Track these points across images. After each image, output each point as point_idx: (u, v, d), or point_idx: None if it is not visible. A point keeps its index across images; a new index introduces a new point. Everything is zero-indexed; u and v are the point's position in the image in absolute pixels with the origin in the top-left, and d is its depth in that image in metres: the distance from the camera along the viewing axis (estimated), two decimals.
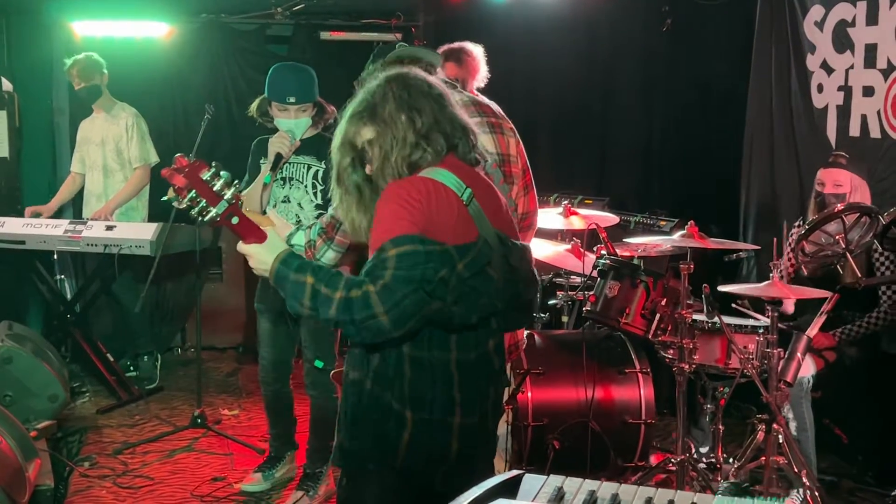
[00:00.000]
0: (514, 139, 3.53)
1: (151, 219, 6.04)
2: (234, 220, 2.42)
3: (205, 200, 2.37)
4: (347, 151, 2.47)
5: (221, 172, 2.41)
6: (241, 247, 2.47)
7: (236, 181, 2.45)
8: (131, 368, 6.38)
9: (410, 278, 2.23)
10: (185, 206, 2.40)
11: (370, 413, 2.41)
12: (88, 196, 6.22)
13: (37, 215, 5.97)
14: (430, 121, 2.41)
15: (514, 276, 2.48)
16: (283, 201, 4.28)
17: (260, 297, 4.51)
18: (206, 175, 2.37)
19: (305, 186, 4.26)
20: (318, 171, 4.24)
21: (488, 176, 2.61)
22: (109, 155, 6.10)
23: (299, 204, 4.27)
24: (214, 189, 2.38)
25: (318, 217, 3.70)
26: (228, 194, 2.39)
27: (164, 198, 2.58)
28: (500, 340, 2.55)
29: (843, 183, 4.56)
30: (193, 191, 2.36)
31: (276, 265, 2.38)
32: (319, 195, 4.24)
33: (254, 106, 4.35)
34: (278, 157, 4.12)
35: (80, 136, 6.29)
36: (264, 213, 4.03)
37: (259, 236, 2.44)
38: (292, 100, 4.18)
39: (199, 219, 2.41)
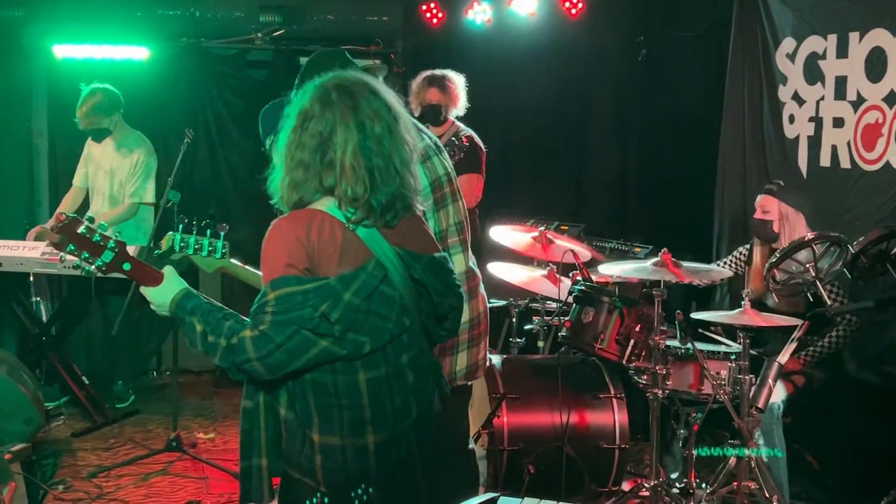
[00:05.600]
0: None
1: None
2: (127, 267, 2.50)
3: (87, 252, 2.47)
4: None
5: (98, 224, 2.52)
6: (142, 289, 2.53)
7: (118, 230, 2.53)
8: (107, 391, 6.34)
9: (289, 321, 2.24)
10: (65, 259, 2.50)
11: (287, 439, 2.42)
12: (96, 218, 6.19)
13: (41, 236, 5.83)
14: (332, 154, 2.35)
15: (425, 289, 2.46)
16: None
17: None
18: (81, 229, 2.47)
19: None
20: None
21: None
22: (116, 186, 6.08)
23: None
24: (94, 240, 2.47)
25: None
26: (111, 243, 2.49)
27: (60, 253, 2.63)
28: (415, 354, 2.47)
29: (770, 210, 4.72)
30: (71, 245, 2.46)
31: (172, 307, 2.45)
32: None
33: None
34: None
35: (87, 152, 6.25)
36: None
37: (157, 279, 2.50)
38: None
39: (89, 269, 2.51)
